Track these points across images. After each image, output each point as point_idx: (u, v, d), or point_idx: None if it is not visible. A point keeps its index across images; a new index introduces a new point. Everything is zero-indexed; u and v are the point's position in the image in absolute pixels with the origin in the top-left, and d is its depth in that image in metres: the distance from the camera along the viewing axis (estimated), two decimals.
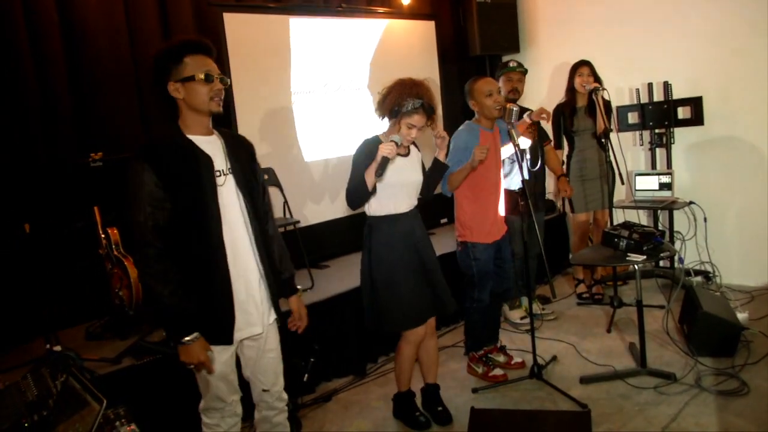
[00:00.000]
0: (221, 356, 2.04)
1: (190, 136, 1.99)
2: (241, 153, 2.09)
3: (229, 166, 2.03)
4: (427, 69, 4.99)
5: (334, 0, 4.52)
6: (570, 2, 5.12)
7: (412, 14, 5.00)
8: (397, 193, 2.64)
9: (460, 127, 3.17)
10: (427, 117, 2.56)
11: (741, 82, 4.33)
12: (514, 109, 2.95)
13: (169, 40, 2.00)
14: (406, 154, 2.69)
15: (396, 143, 2.45)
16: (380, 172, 2.40)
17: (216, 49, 2.02)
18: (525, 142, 3.20)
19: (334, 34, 4.43)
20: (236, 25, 3.85)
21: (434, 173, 2.77)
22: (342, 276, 3.89)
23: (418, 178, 2.72)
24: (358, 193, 2.51)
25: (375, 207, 2.66)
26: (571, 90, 4.17)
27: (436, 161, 2.74)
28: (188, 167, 1.93)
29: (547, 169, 4.09)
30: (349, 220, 4.18)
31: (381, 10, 4.81)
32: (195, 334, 1.91)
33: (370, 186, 2.47)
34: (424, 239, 2.76)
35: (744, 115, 4.35)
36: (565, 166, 4.26)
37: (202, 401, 2.11)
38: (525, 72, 3.83)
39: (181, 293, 1.89)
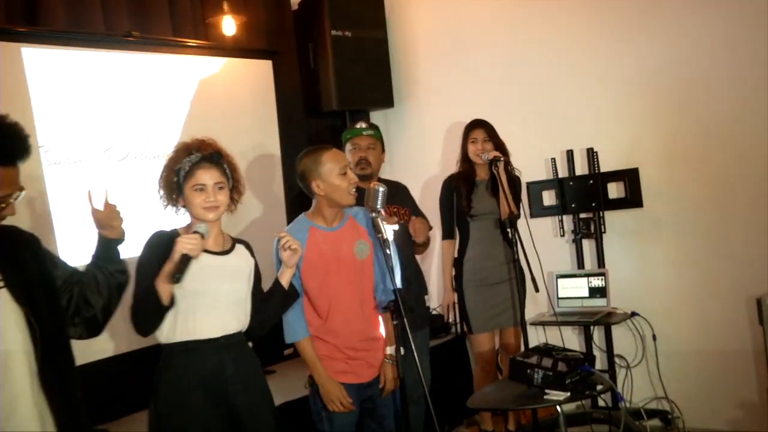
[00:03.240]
0: None
1: None
2: (21, 253, 2.18)
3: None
4: (259, 130, 4.96)
5: (119, 25, 4.25)
6: (464, 42, 5.21)
7: (239, 50, 4.92)
8: (200, 305, 2.59)
9: (290, 224, 3.19)
10: (223, 173, 2.62)
11: (689, 148, 4.38)
12: (380, 189, 2.88)
13: None
14: (225, 251, 2.71)
15: (201, 235, 2.49)
16: (178, 277, 2.40)
17: None
18: (389, 229, 3.13)
19: (121, 76, 4.22)
20: None
21: (271, 301, 2.79)
22: None
23: (240, 287, 2.70)
24: (146, 309, 2.50)
25: (167, 329, 2.59)
26: (465, 160, 4.22)
27: (275, 285, 2.78)
28: None
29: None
30: (140, 357, 3.69)
31: (192, 43, 4.62)
32: None
33: (164, 297, 2.45)
34: (246, 383, 2.66)
35: (695, 190, 4.39)
36: (455, 267, 4.25)
37: None
38: (379, 136, 3.86)
39: None
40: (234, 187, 2.69)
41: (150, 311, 2.51)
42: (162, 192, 2.67)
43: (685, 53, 4.35)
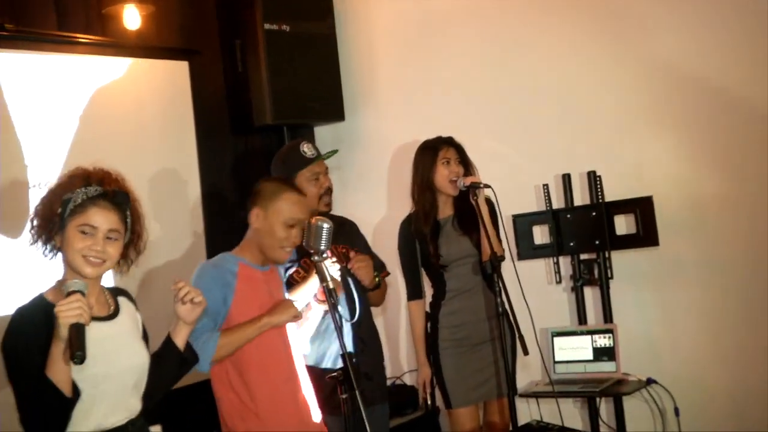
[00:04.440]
0: None
1: None
2: None
3: None
4: (172, 151, 4.78)
5: None
6: (433, 40, 5.13)
7: (145, 48, 4.72)
8: (105, 392, 2.48)
9: (209, 261, 3.27)
10: (122, 220, 2.52)
11: (717, 169, 4.28)
12: (325, 225, 2.94)
13: None
14: (113, 314, 2.60)
15: (81, 292, 2.35)
16: (80, 354, 2.26)
17: None
18: (332, 269, 3.27)
19: None
20: None
21: (163, 366, 2.68)
22: None
23: (141, 353, 2.60)
24: (44, 410, 2.35)
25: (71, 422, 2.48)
26: (427, 190, 4.05)
27: (168, 346, 2.68)
28: None
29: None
30: None
31: (84, 39, 4.44)
32: None
33: (65, 387, 2.31)
34: None
35: (728, 224, 4.27)
36: (430, 326, 4.14)
37: None
38: (328, 157, 3.90)
39: None
40: (131, 242, 2.59)
41: (51, 411, 2.37)
42: (36, 222, 2.54)
43: (704, 49, 4.31)
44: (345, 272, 3.63)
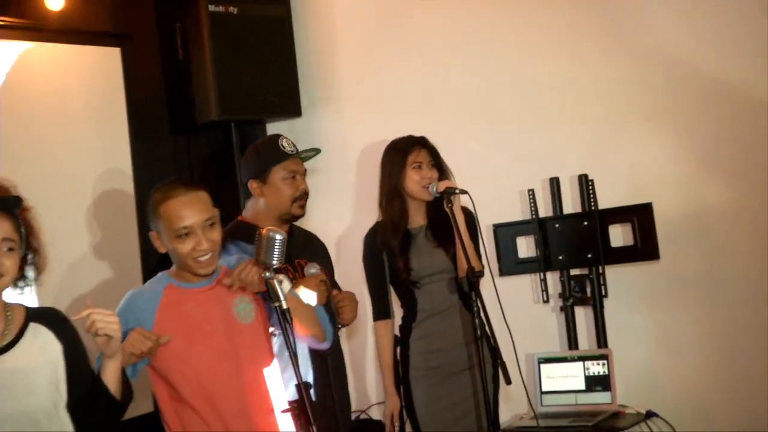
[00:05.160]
0: None
1: None
2: None
3: None
4: (102, 151, 4.67)
5: None
6: (403, 25, 5.05)
7: (70, 32, 4.60)
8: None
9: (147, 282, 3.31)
10: (16, 229, 2.53)
11: (724, 173, 4.25)
12: (277, 236, 2.89)
13: None
14: (13, 342, 2.58)
15: None
16: None
17: None
18: (309, 297, 3.35)
19: None
20: None
21: (89, 410, 2.67)
22: None
23: (36, 403, 2.57)
24: None
25: None
26: (396, 197, 4.02)
27: (97, 386, 2.69)
28: None
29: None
30: None
31: None
32: None
33: None
34: None
35: (736, 236, 4.23)
36: (399, 352, 4.11)
37: None
38: (308, 157, 3.90)
39: None
40: (29, 254, 2.56)
41: None
42: None
43: (707, 39, 4.28)
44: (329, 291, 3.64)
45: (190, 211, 2.97)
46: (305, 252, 3.65)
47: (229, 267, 3.11)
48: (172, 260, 3.11)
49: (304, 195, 3.75)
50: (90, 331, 2.50)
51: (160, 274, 3.16)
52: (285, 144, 3.77)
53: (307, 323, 3.27)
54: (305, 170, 3.80)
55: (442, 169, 4.02)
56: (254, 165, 3.61)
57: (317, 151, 3.93)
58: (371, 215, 4.24)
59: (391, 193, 4.03)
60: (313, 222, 4.40)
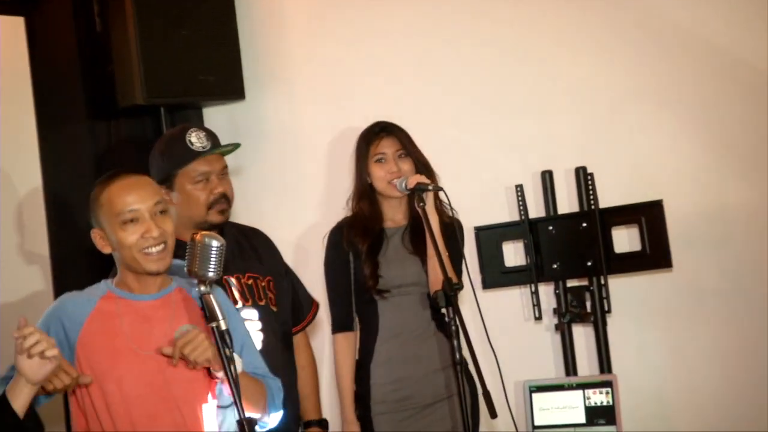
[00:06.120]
0: None
1: None
2: None
3: None
4: (6, 141, 4.42)
5: None
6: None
7: None
8: None
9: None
10: None
11: (744, 168, 4.13)
12: (213, 244, 2.78)
13: None
14: None
15: None
16: None
17: None
18: (250, 315, 3.46)
19: None
20: None
21: None
22: None
23: None
24: None
25: None
26: (364, 196, 3.96)
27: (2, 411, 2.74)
28: None
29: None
30: None
31: None
32: None
33: None
34: None
35: (759, 241, 4.07)
36: (359, 380, 3.97)
37: None
38: (227, 152, 3.76)
39: None
40: None
41: None
42: None
43: (725, 13, 4.14)
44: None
45: (137, 195, 2.84)
46: (247, 258, 3.53)
47: (183, 287, 2.99)
48: (116, 262, 2.94)
49: (222, 198, 3.51)
50: (31, 352, 2.43)
51: (102, 281, 3.00)
52: (194, 139, 3.53)
53: (252, 401, 3.07)
54: (224, 167, 3.56)
55: (417, 160, 3.81)
56: (157, 169, 3.39)
57: (237, 145, 3.67)
58: (337, 212, 4.05)
59: (360, 190, 3.90)
60: (266, 223, 4.14)
